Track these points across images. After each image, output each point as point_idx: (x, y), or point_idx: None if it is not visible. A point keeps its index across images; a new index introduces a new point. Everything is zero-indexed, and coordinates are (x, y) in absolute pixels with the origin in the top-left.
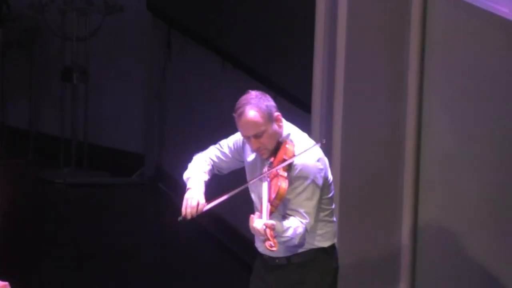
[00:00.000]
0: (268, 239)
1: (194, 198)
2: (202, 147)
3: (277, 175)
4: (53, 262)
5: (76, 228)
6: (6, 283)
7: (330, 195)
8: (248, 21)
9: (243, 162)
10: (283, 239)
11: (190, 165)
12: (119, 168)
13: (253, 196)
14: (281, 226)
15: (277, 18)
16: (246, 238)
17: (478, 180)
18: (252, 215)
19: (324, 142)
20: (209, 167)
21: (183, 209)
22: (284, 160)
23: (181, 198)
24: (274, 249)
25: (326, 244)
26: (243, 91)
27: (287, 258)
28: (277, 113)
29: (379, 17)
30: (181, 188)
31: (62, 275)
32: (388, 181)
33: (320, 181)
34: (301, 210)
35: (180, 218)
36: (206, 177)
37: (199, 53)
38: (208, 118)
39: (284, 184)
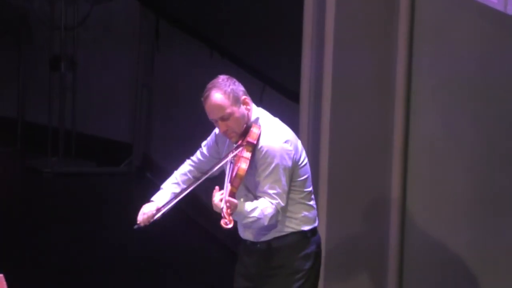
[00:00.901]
0: (224, 217)
1: (146, 207)
2: (189, 136)
3: (240, 156)
4: (40, 252)
5: (64, 218)
6: (1, 275)
7: (304, 177)
8: (237, 11)
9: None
10: (250, 220)
11: (175, 172)
12: (107, 157)
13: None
14: (247, 206)
15: (266, 8)
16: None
17: (466, 172)
18: (215, 190)
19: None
20: (184, 177)
21: (138, 217)
22: (248, 143)
23: None
24: (229, 226)
25: (306, 227)
26: None
27: (268, 243)
28: (244, 97)
29: (367, 7)
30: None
31: (49, 264)
32: (376, 173)
33: (288, 163)
34: (270, 191)
35: (135, 226)
36: (178, 190)
37: (188, 42)
38: (196, 107)
39: (244, 165)
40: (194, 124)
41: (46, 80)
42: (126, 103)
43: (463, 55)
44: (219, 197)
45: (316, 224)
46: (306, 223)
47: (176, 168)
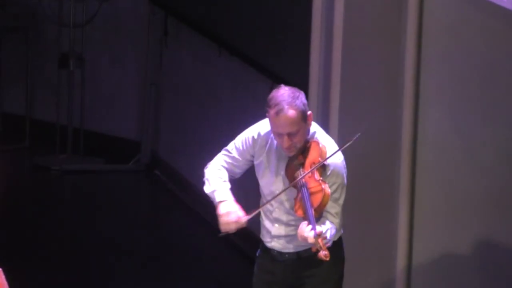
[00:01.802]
0: (322, 249)
1: (233, 213)
2: (197, 134)
3: (315, 179)
4: (48, 249)
5: (71, 215)
6: None
7: None
8: (245, 8)
9: (251, 162)
10: (325, 241)
11: (207, 177)
12: (115, 155)
13: (266, 191)
14: (324, 229)
15: (274, 6)
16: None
17: (474, 170)
18: (302, 224)
19: (359, 134)
20: (227, 174)
21: (222, 227)
22: (319, 162)
23: (178, 186)
24: (328, 258)
25: (336, 236)
26: (240, 79)
27: (297, 253)
28: (309, 112)
29: (376, 5)
30: (178, 176)
31: (57, 261)
32: (384, 172)
33: (346, 181)
34: (332, 211)
35: (221, 234)
36: (229, 186)
37: (196, 40)
38: (205, 105)
39: (328, 189)
40: (202, 121)
41: (55, 78)
42: (134, 100)
43: (471, 53)
44: (309, 229)
45: (342, 231)
46: (337, 232)
47: (184, 165)
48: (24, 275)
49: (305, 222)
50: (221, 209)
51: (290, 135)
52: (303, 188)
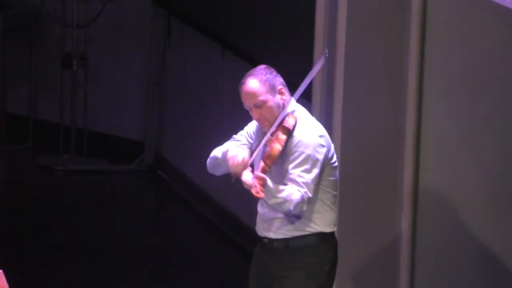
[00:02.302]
0: (255, 186)
1: (239, 154)
2: (201, 134)
3: (275, 139)
4: (51, 249)
5: (75, 215)
6: (0, 271)
7: (333, 178)
8: (248, 9)
9: None
10: (277, 200)
11: (216, 149)
12: (119, 155)
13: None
14: (276, 186)
15: (277, 6)
16: (246, 226)
17: (477, 166)
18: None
19: (327, 54)
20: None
21: (231, 170)
22: (284, 127)
23: (180, 186)
24: (260, 195)
25: (324, 229)
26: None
27: (286, 242)
28: (280, 87)
29: (379, 5)
30: (182, 176)
31: (60, 261)
32: (387, 171)
33: (320, 156)
34: (299, 180)
35: (232, 180)
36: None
37: (199, 40)
38: (208, 105)
39: (278, 145)
40: (206, 122)
41: (58, 78)
42: (137, 100)
43: (475, 54)
44: (250, 174)
45: (335, 228)
46: (327, 226)
47: (188, 165)
48: (27, 275)
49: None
50: (229, 153)
51: (256, 106)
52: (264, 147)
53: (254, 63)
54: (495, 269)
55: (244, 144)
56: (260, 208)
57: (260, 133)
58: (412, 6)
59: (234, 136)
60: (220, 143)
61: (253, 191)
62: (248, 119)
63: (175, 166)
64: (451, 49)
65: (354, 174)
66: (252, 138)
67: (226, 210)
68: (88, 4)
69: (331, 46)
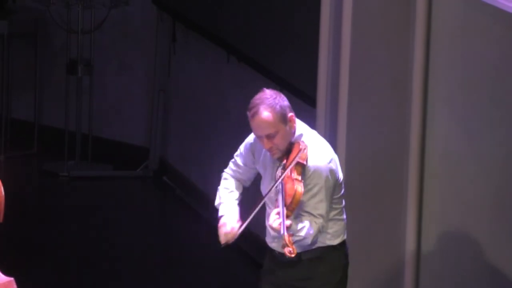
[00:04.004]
0: (287, 245)
1: (227, 225)
2: (206, 140)
3: (291, 178)
4: (56, 255)
5: (79, 221)
6: (12, 278)
7: (341, 193)
8: (253, 14)
9: (256, 168)
10: (296, 238)
11: (218, 188)
12: (123, 161)
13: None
14: (295, 225)
15: (282, 11)
16: (251, 232)
17: (482, 172)
18: (272, 214)
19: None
20: (234, 183)
21: (220, 239)
22: (299, 164)
23: (184, 192)
24: (293, 255)
25: (336, 241)
26: (248, 85)
27: (297, 255)
28: (290, 114)
29: (385, 10)
30: (187, 183)
31: (65, 267)
32: (392, 176)
33: (331, 183)
34: (314, 212)
35: (222, 246)
36: (237, 195)
37: (204, 46)
38: (213, 112)
39: (300, 188)
40: (210, 128)
41: (63, 84)
42: (142, 106)
43: (479, 58)
44: (278, 222)
45: (345, 237)
46: (337, 237)
47: (193, 171)
48: (32, 280)
49: (275, 211)
50: (220, 222)
51: (268, 137)
52: (279, 189)
53: (259, 69)
54: (502, 277)
55: (241, 170)
56: (267, 224)
57: (267, 159)
58: (416, 14)
59: (234, 155)
60: (225, 149)
61: (286, 251)
62: None
63: (180, 172)
64: (456, 55)
65: (359, 181)
66: (249, 160)
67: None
68: (93, 10)
69: (336, 54)
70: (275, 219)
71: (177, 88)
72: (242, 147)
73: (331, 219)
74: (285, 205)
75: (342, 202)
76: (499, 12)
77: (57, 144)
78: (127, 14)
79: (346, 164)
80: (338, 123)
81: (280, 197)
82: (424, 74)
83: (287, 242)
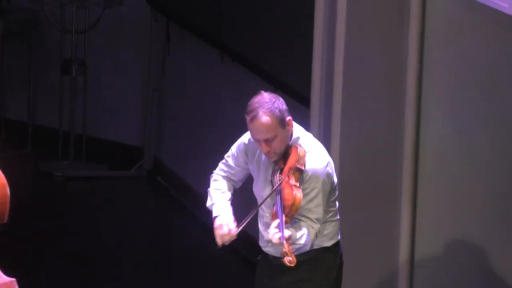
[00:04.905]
0: (287, 255)
1: (224, 226)
2: (200, 140)
3: (290, 184)
4: (50, 255)
5: (74, 221)
6: (13, 279)
7: (335, 196)
8: (247, 14)
9: (248, 169)
10: (296, 246)
11: (209, 190)
12: (118, 161)
13: (259, 198)
14: (295, 234)
15: (276, 12)
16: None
17: (476, 173)
18: (272, 224)
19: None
20: (226, 184)
21: (217, 240)
22: (297, 169)
23: (178, 192)
24: (293, 265)
25: (330, 243)
26: (242, 85)
27: None
28: (288, 118)
29: (379, 10)
30: (181, 183)
31: (60, 268)
32: (386, 176)
33: (328, 187)
34: (312, 216)
35: (218, 247)
36: (229, 196)
37: (198, 46)
38: (207, 111)
39: (299, 194)
40: (205, 127)
41: (57, 84)
42: (137, 106)
43: (473, 58)
44: (278, 236)
45: (339, 238)
46: (331, 239)
47: (187, 171)
48: (27, 281)
49: (274, 224)
50: (216, 223)
51: (267, 141)
52: (277, 194)
53: (253, 69)
54: (496, 279)
55: (233, 171)
56: (261, 228)
57: (261, 160)
58: (410, 13)
59: (225, 156)
60: (220, 148)
61: (286, 261)
62: (246, 125)
63: (174, 172)
64: (450, 54)
65: (352, 182)
66: (242, 161)
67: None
68: (87, 10)
69: (330, 54)
70: (274, 233)
71: (172, 88)
72: (234, 148)
73: (326, 221)
74: (283, 212)
75: (336, 205)
76: (493, 12)
77: (51, 144)
78: (121, 14)
79: (340, 164)
80: (332, 123)
81: (278, 203)
82: (418, 73)
83: (287, 251)
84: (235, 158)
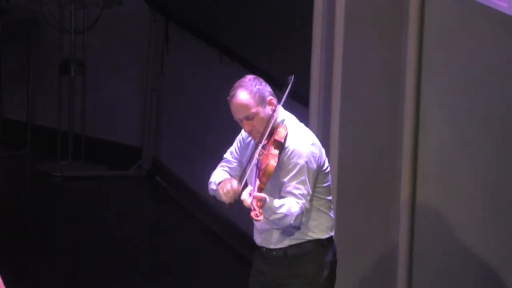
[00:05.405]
0: (254, 209)
1: (227, 183)
2: (199, 140)
3: (268, 153)
4: (49, 255)
5: (73, 221)
6: None
7: (326, 184)
8: (246, 14)
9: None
10: (277, 216)
11: (210, 181)
12: (116, 161)
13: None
14: (275, 202)
15: (275, 12)
16: (244, 231)
17: (475, 172)
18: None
19: (292, 79)
20: (227, 175)
21: (223, 199)
22: (276, 141)
23: (177, 192)
24: (259, 218)
25: (321, 235)
26: None
27: (284, 250)
28: (270, 97)
29: (377, 10)
30: (180, 183)
31: (58, 268)
32: (385, 175)
33: (314, 165)
34: (296, 192)
35: (226, 206)
36: (228, 176)
37: (197, 46)
38: (206, 111)
39: (272, 161)
40: (203, 127)
41: (56, 84)
42: (135, 106)
43: (472, 58)
44: (248, 192)
45: (333, 233)
46: (324, 232)
47: (185, 171)
48: (25, 280)
49: (247, 190)
50: (220, 186)
51: (247, 118)
52: (257, 161)
53: (252, 69)
54: (493, 278)
55: (232, 165)
56: (257, 224)
57: (250, 145)
58: (409, 13)
59: (224, 156)
60: (218, 148)
61: (252, 214)
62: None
63: (173, 171)
64: (449, 54)
65: (351, 180)
66: (240, 156)
67: (224, 216)
68: (86, 10)
69: (329, 53)
70: (247, 193)
71: (170, 88)
72: (234, 143)
73: (318, 210)
74: (257, 176)
75: (327, 194)
76: (492, 12)
77: (50, 144)
78: (120, 14)
79: (339, 163)
80: (331, 123)
81: (254, 169)
82: (417, 73)
83: (254, 206)
84: (233, 153)
